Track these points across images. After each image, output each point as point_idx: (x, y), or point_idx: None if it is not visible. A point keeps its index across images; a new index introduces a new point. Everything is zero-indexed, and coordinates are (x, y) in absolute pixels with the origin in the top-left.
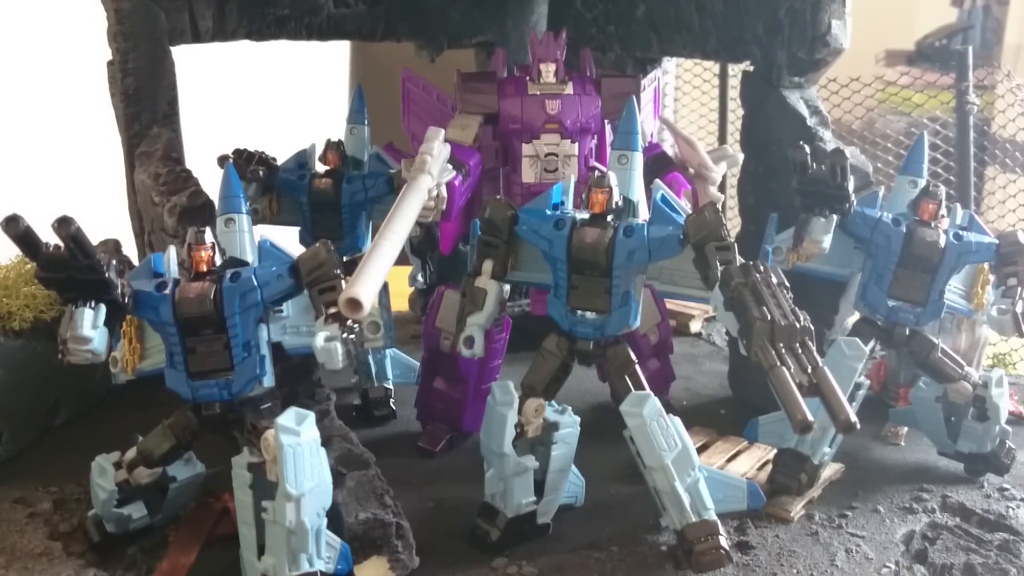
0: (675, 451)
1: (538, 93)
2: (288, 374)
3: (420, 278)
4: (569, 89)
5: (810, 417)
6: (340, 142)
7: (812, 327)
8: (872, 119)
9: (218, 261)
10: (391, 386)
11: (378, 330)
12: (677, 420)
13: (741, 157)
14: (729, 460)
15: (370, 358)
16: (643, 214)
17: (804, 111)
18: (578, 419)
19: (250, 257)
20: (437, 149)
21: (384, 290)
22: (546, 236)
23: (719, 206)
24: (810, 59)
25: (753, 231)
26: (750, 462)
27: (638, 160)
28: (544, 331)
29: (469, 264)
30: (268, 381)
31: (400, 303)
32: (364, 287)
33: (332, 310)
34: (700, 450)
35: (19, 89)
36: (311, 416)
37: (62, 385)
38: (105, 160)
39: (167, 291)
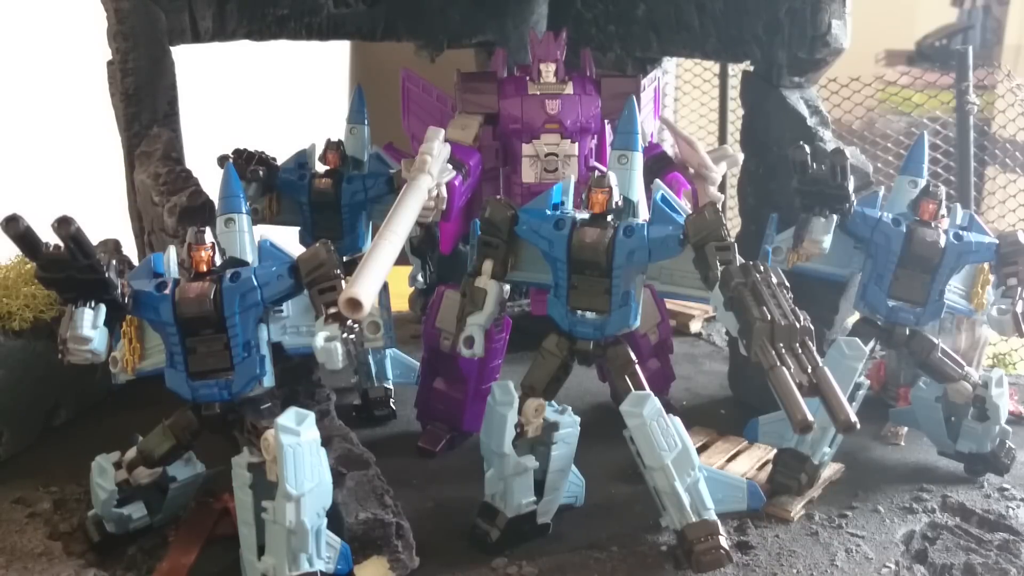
0: (675, 451)
1: (538, 93)
2: (288, 374)
3: (420, 278)
4: (569, 89)
5: (810, 417)
6: (340, 142)
7: (812, 327)
8: (872, 119)
9: (218, 261)
10: (391, 386)
11: (378, 330)
12: (677, 420)
13: (741, 157)
14: (729, 460)
15: (370, 358)
16: (643, 214)
17: (804, 111)
18: (578, 419)
19: (250, 257)
20: (437, 149)
21: (384, 290)
22: (546, 236)
23: (719, 206)
24: (810, 59)
25: (753, 231)
26: (750, 462)
27: (638, 160)
28: (544, 331)
29: (469, 264)
30: (268, 381)
31: (400, 303)
32: (364, 287)
33: (332, 310)
34: (700, 450)
35: (19, 89)
36: (311, 416)
37: (62, 385)
38: (105, 160)
39: (167, 291)
